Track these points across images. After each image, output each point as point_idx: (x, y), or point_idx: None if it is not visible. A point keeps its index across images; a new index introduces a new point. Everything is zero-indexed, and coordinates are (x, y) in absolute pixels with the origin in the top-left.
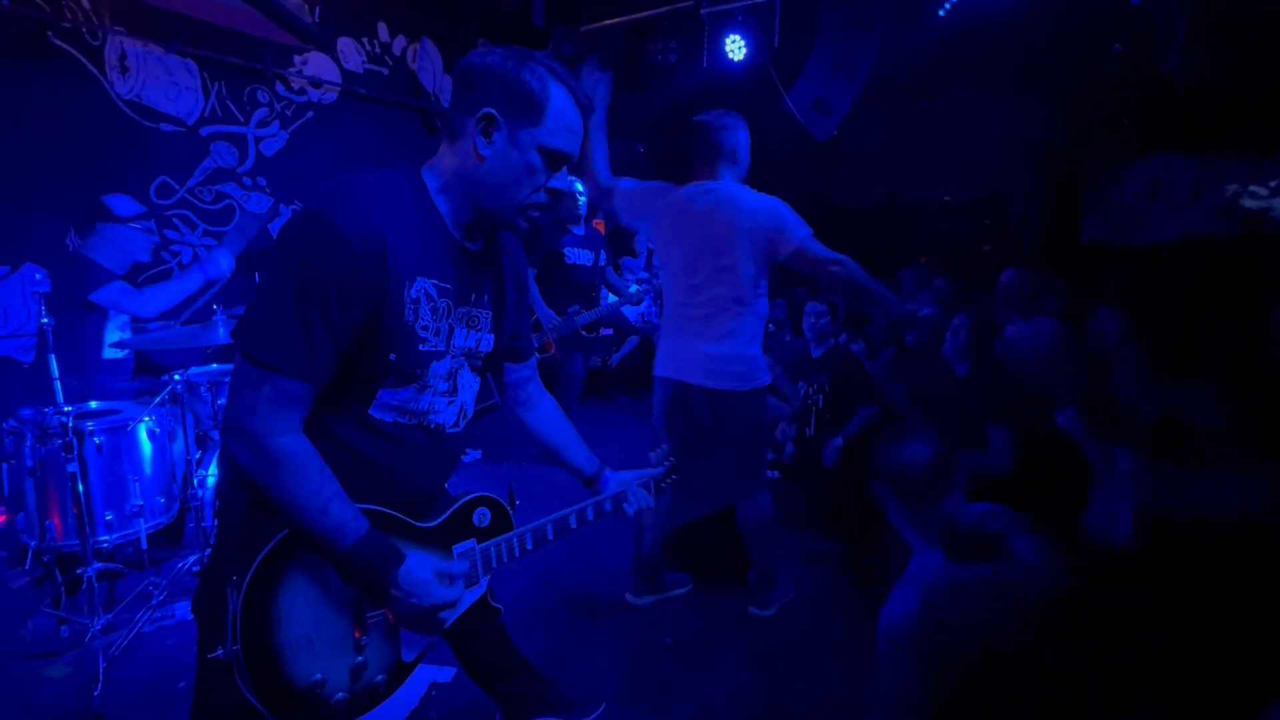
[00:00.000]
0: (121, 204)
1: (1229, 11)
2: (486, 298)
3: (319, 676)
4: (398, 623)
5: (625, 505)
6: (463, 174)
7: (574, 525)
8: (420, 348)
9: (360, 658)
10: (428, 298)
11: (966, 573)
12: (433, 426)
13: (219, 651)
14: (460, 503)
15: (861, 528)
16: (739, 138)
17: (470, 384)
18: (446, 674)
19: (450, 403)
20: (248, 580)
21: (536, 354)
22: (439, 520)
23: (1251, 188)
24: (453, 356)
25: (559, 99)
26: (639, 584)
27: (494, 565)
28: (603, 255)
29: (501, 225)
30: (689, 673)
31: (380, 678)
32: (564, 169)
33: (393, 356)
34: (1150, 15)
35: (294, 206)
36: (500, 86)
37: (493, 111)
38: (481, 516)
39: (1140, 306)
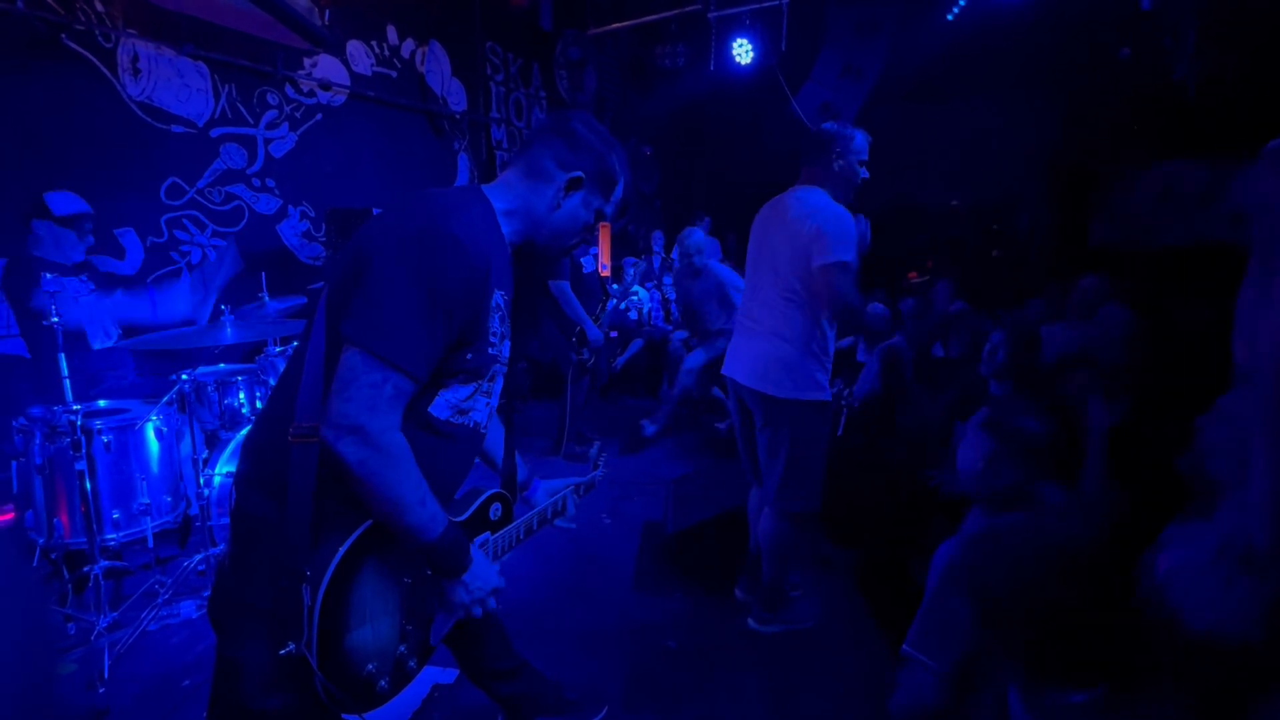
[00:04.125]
0: (60, 202)
1: (1239, 16)
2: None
3: (372, 667)
4: (450, 609)
5: (560, 518)
6: (533, 209)
7: (540, 522)
8: (489, 351)
9: (403, 646)
10: (499, 308)
11: (1002, 520)
12: (472, 425)
13: (290, 647)
14: (483, 498)
15: (867, 532)
16: (850, 146)
17: (499, 389)
18: (449, 676)
19: (487, 404)
20: (328, 576)
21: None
22: (468, 514)
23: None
24: (499, 362)
25: (623, 183)
26: (762, 610)
27: (500, 555)
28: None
29: (540, 255)
30: (692, 676)
31: (412, 662)
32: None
33: (470, 357)
34: (1160, 20)
35: (302, 208)
36: (594, 160)
37: (582, 176)
38: (495, 511)
39: (1150, 312)
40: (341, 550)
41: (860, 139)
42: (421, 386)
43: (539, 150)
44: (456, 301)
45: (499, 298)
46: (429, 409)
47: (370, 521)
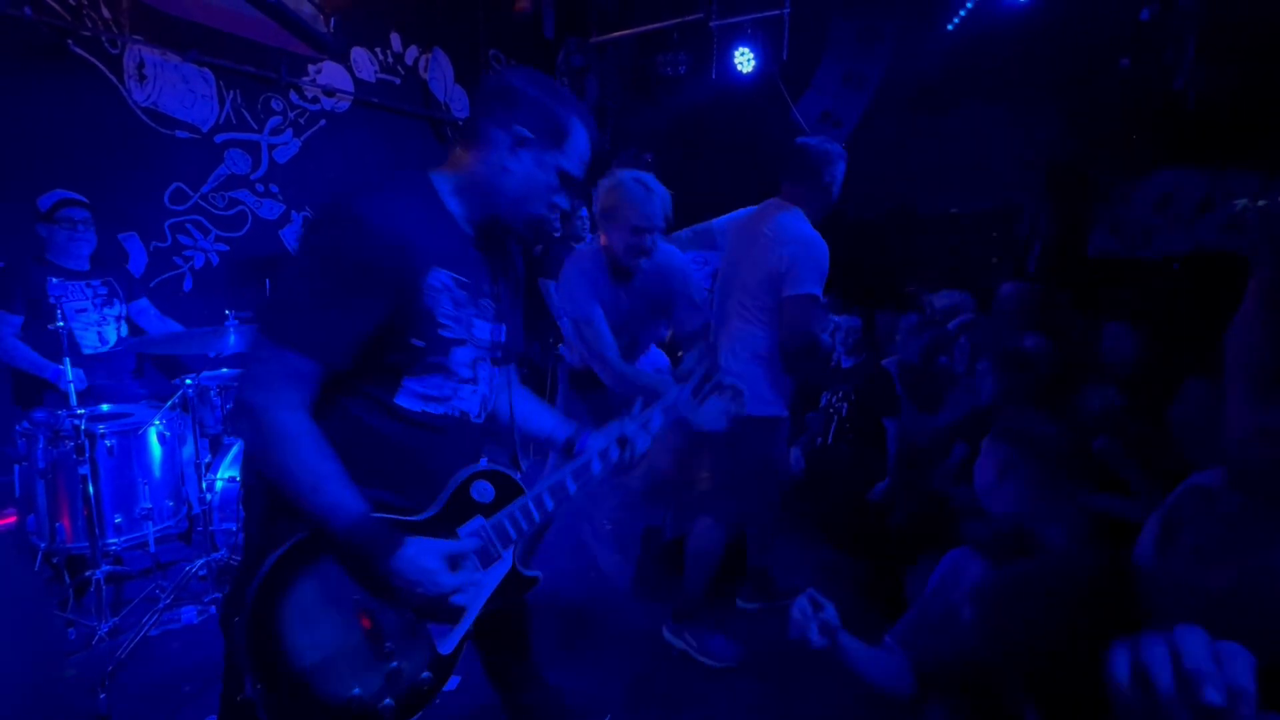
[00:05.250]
0: (43, 200)
1: (1239, 26)
2: (499, 291)
3: (356, 691)
4: (418, 614)
5: (624, 450)
6: (483, 180)
7: (596, 470)
8: (441, 333)
9: (393, 663)
10: (445, 289)
11: (1008, 570)
12: (458, 414)
13: (247, 691)
14: (454, 484)
15: (869, 538)
16: (839, 169)
17: (491, 375)
18: (451, 682)
19: (473, 391)
20: (247, 613)
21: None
22: (436, 509)
23: (1261, 202)
24: (475, 346)
25: (578, 131)
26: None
27: (513, 536)
28: None
29: (509, 230)
30: (693, 681)
31: (425, 675)
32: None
33: (418, 343)
34: (1160, 30)
35: (305, 213)
36: (535, 111)
37: (525, 131)
38: (482, 491)
39: (1149, 320)
40: (255, 582)
41: (844, 163)
42: (328, 368)
43: (477, 120)
44: (353, 277)
45: (443, 278)
46: (394, 400)
47: (293, 541)
